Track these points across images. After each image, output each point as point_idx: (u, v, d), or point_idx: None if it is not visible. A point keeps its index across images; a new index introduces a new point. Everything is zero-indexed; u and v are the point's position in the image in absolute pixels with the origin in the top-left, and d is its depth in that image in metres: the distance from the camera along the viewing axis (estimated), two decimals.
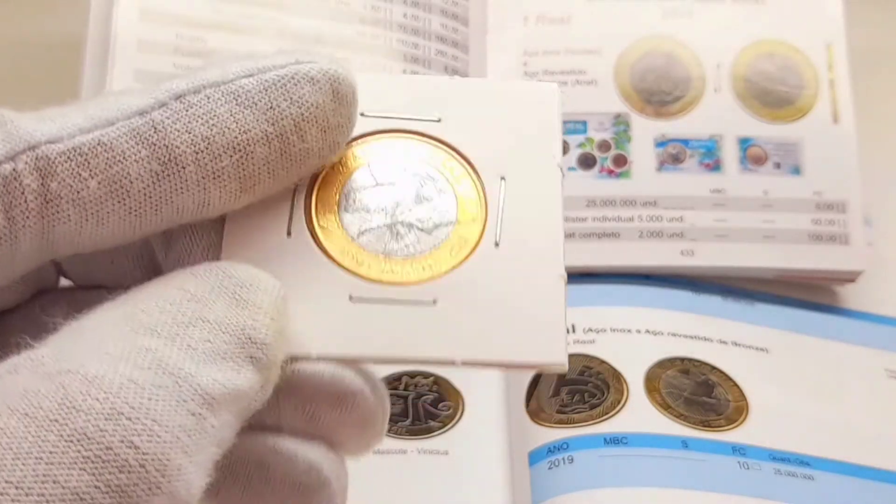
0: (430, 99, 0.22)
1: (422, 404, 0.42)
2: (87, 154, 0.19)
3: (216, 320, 0.18)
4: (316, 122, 0.20)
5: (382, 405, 0.22)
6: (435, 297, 0.21)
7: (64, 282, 0.23)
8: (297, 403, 0.21)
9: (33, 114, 0.19)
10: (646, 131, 0.50)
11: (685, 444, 0.40)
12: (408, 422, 0.42)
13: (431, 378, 0.44)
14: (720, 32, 0.51)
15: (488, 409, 0.43)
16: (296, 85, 0.20)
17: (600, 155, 0.50)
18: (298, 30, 0.47)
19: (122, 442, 0.16)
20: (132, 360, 0.17)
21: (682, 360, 0.44)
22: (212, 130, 0.19)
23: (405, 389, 0.43)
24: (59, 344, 0.17)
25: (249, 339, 0.19)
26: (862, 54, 0.51)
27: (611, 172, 0.49)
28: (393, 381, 0.43)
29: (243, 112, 0.20)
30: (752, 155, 0.50)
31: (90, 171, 0.19)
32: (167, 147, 0.19)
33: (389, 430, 0.41)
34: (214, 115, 0.19)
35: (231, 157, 0.20)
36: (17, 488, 0.15)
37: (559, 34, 0.51)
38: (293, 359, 0.20)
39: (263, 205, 0.21)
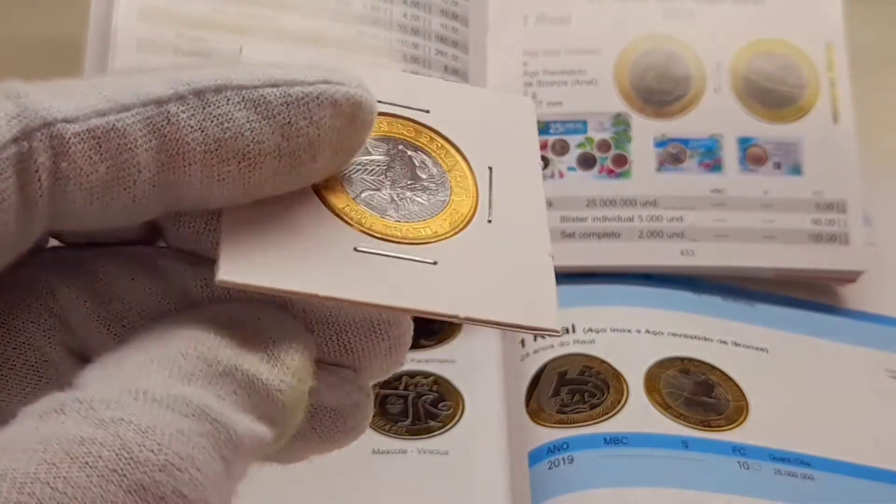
0: (421, 93, 0.23)
1: (422, 404, 0.42)
2: (100, 138, 0.18)
3: (247, 372, 0.19)
4: (330, 145, 0.20)
5: (408, 333, 0.22)
6: (436, 258, 0.22)
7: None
8: (331, 333, 0.21)
9: (46, 85, 0.19)
10: (646, 131, 0.50)
11: (685, 444, 0.40)
12: (408, 422, 0.42)
13: (431, 378, 0.44)
14: (720, 32, 0.51)
15: (488, 409, 0.42)
16: (318, 106, 0.20)
17: (600, 155, 0.50)
18: (298, 30, 0.47)
19: (174, 492, 0.17)
20: (178, 409, 0.17)
21: (682, 360, 0.44)
22: (225, 134, 0.19)
23: (405, 389, 0.43)
24: (105, 386, 0.18)
25: (273, 399, 0.19)
26: (862, 54, 0.51)
27: (611, 172, 0.49)
28: (393, 381, 0.43)
29: (260, 122, 0.19)
30: (752, 155, 0.50)
31: (101, 155, 0.18)
32: (178, 141, 0.19)
33: (389, 430, 0.41)
34: (230, 119, 0.19)
35: (239, 163, 0.19)
36: None
37: (559, 34, 0.51)
38: (297, 294, 0.21)
39: None
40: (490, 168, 0.23)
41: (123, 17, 0.45)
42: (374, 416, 0.44)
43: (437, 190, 0.23)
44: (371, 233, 0.22)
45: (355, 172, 0.22)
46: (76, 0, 0.46)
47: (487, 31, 0.52)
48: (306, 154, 0.20)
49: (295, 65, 0.20)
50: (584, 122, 0.50)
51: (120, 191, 0.19)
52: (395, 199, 0.22)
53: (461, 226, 0.22)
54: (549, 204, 0.49)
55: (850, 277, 0.49)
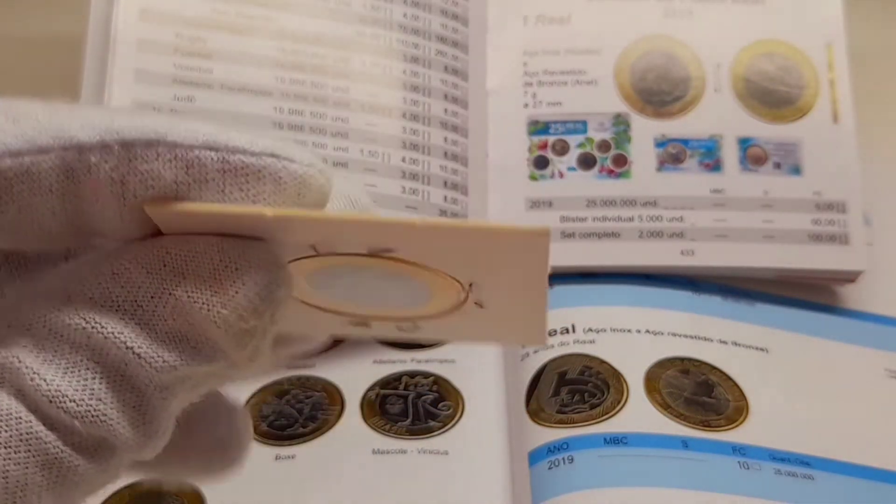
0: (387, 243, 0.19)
1: (422, 404, 0.42)
2: (11, 179, 0.18)
3: (180, 298, 0.18)
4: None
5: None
6: (417, 325, 0.21)
7: None
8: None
9: None
10: (646, 131, 0.50)
11: (685, 444, 0.40)
12: (408, 422, 0.42)
13: (431, 378, 0.44)
14: (720, 32, 0.51)
15: (488, 409, 0.42)
16: (258, 181, 0.18)
17: (600, 155, 0.50)
18: (298, 30, 0.47)
19: (67, 421, 0.17)
20: (78, 341, 0.18)
21: (682, 360, 0.44)
22: (147, 192, 0.18)
23: (405, 389, 0.43)
24: (22, 306, 0.18)
25: (209, 332, 0.18)
26: (862, 54, 0.51)
27: (611, 172, 0.49)
28: (393, 381, 0.43)
29: (189, 185, 0.18)
30: (752, 155, 0.50)
31: (11, 196, 0.18)
32: (95, 192, 0.18)
33: (389, 430, 0.41)
34: (156, 178, 0.18)
35: (149, 223, 0.18)
36: (5, 448, 0.16)
37: (559, 34, 0.51)
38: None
39: None
40: (471, 285, 0.20)
41: (123, 17, 0.45)
42: (374, 416, 0.44)
43: (414, 296, 0.20)
44: (357, 318, 0.21)
45: (322, 286, 0.20)
46: (76, 0, 0.46)
47: (487, 31, 0.52)
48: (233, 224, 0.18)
49: (246, 134, 0.18)
50: (584, 122, 0.50)
51: (33, 228, 0.18)
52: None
53: (446, 312, 0.21)
54: (550, 204, 0.49)
55: (849, 277, 0.49)
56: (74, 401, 0.17)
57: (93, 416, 0.17)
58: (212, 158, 0.18)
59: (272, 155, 0.18)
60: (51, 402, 0.17)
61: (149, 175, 0.18)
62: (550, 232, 0.18)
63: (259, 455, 0.40)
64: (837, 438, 0.42)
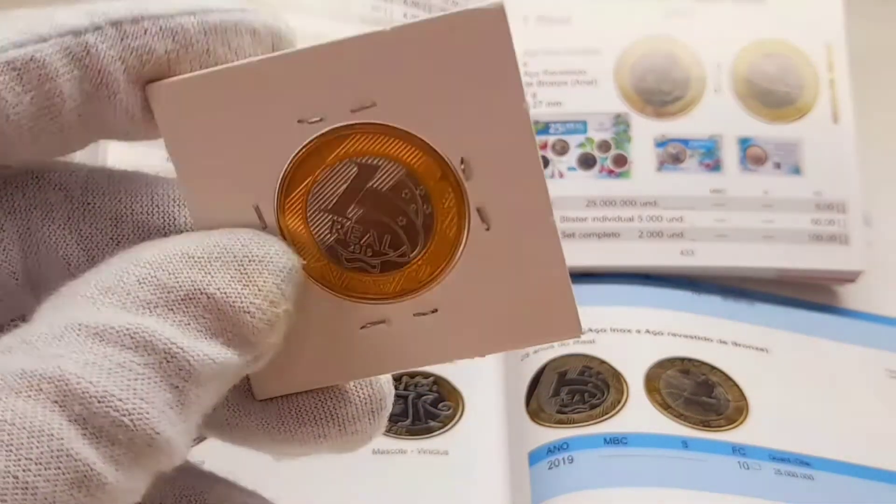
0: (363, 74, 0.20)
1: (422, 404, 0.42)
2: (20, 69, 0.18)
3: (213, 295, 0.18)
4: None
5: (388, 393, 0.22)
6: (436, 305, 0.21)
7: None
8: (313, 406, 0.21)
9: None
10: (646, 131, 0.50)
11: (685, 444, 0.40)
12: (408, 422, 0.42)
13: (431, 378, 0.44)
14: (720, 32, 0.51)
15: (488, 409, 0.42)
16: (237, 34, 0.20)
17: (600, 155, 0.50)
18: (298, 30, 0.47)
19: (114, 423, 0.17)
20: (119, 342, 0.17)
21: (682, 360, 0.44)
22: (144, 67, 0.19)
23: (405, 389, 0.43)
24: (51, 322, 0.18)
25: (241, 322, 0.19)
26: (862, 54, 0.51)
27: (611, 172, 0.49)
28: (393, 381, 0.43)
29: (179, 52, 0.19)
30: (752, 155, 0.50)
31: (24, 86, 0.18)
32: (100, 72, 0.19)
33: (389, 430, 0.41)
34: (149, 51, 0.19)
35: None
36: (36, 464, 0.16)
37: (559, 34, 0.51)
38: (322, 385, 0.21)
39: (228, 203, 0.21)
40: (463, 160, 0.20)
41: None
42: None
43: (418, 216, 0.21)
44: (367, 298, 0.21)
45: (319, 220, 0.21)
46: (76, 0, 0.46)
47: None
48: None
49: None
50: (585, 123, 0.50)
51: (47, 121, 0.19)
52: (380, 250, 0.21)
53: (454, 254, 0.21)
54: None
55: (849, 277, 0.49)
56: (121, 399, 0.17)
57: (139, 414, 0.17)
58: (192, 22, 0.19)
59: (242, 10, 0.20)
60: (100, 402, 0.17)
61: (142, 50, 0.19)
62: (504, 7, 0.19)
63: (259, 455, 0.40)
64: (837, 438, 0.42)
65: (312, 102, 0.20)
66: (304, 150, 0.21)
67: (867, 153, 0.50)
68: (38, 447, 0.16)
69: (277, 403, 0.21)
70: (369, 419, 0.22)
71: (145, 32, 0.19)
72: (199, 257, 0.19)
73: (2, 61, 0.18)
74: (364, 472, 0.40)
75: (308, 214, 0.21)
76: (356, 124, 0.20)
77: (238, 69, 0.20)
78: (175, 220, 0.21)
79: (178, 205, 0.21)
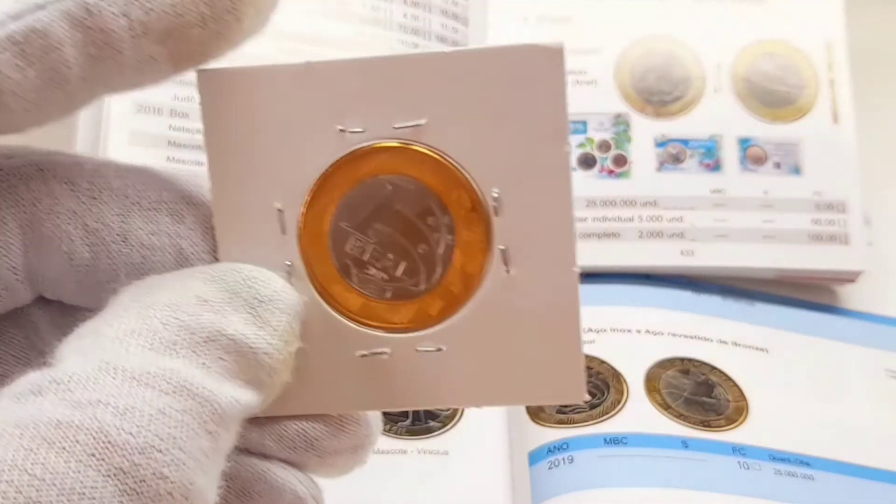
0: (412, 92, 0.20)
1: None
2: (22, 42, 0.17)
3: (232, 336, 0.18)
4: (253, 4, 0.19)
5: (375, 430, 0.22)
6: (440, 345, 0.21)
7: None
8: (294, 433, 0.21)
9: None
10: (646, 131, 0.50)
11: (685, 444, 0.40)
12: (408, 422, 0.42)
13: None
14: (720, 32, 0.51)
15: (488, 409, 0.42)
16: None
17: (600, 155, 0.50)
18: (298, 30, 0.47)
19: (154, 474, 0.16)
20: (158, 386, 0.17)
21: (682, 360, 0.44)
22: (148, 16, 0.18)
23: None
24: (82, 363, 0.17)
25: (259, 363, 0.19)
26: (862, 54, 0.51)
27: (611, 172, 0.49)
28: None
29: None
30: (752, 155, 0.50)
31: (27, 59, 0.17)
32: (103, 31, 0.18)
33: (389, 430, 0.41)
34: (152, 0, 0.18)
35: (167, 43, 0.18)
36: None
37: (559, 34, 0.51)
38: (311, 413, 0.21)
39: (252, 202, 0.21)
40: (496, 194, 0.20)
41: None
42: None
43: (440, 246, 0.21)
44: (371, 324, 0.21)
45: (343, 245, 0.21)
46: None
47: (487, 31, 0.52)
48: (230, 16, 0.19)
49: None
50: (585, 123, 0.50)
51: (53, 90, 0.18)
52: (395, 275, 0.21)
53: (469, 292, 0.20)
54: None
55: (849, 277, 0.49)
56: (161, 451, 0.16)
57: (177, 466, 0.16)
58: None
59: None
60: (141, 453, 0.16)
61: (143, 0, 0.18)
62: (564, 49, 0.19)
63: None
64: (837, 438, 0.42)
65: (357, 112, 0.20)
66: (339, 160, 0.20)
67: (867, 153, 0.50)
68: None
69: (261, 423, 0.21)
70: (350, 454, 0.22)
71: None
72: (212, 301, 0.19)
73: (2, 37, 0.17)
74: (364, 472, 0.40)
75: (331, 228, 0.21)
76: (397, 141, 0.20)
77: (290, 68, 0.20)
78: (183, 217, 0.21)
79: (187, 203, 0.21)
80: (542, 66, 0.20)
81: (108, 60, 0.18)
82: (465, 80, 0.20)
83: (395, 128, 0.20)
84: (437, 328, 0.21)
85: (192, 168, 0.22)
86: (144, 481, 0.16)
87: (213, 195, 0.21)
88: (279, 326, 0.19)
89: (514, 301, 0.20)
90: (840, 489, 0.40)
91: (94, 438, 0.16)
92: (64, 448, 0.16)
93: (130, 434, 0.16)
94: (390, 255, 0.21)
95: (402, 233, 0.21)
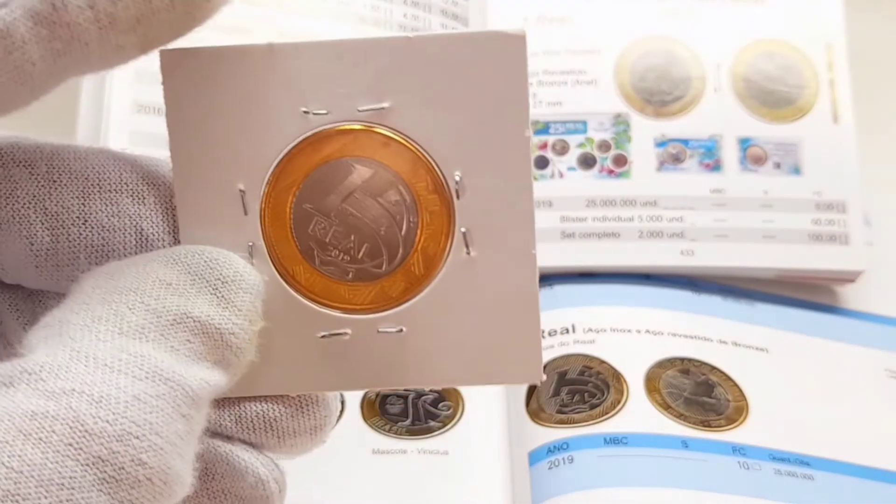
0: (377, 75, 0.20)
1: (422, 404, 0.42)
2: None
3: (198, 318, 0.18)
4: None
5: (333, 411, 0.22)
6: (401, 326, 0.21)
7: None
8: (253, 414, 0.21)
9: None
10: (646, 131, 0.50)
11: (685, 444, 0.40)
12: (408, 422, 0.42)
13: None
14: (720, 32, 0.51)
15: (488, 409, 0.42)
16: None
17: (600, 155, 0.50)
18: (298, 30, 0.47)
19: (133, 461, 0.16)
20: (131, 372, 0.17)
21: (682, 360, 0.44)
22: (116, 7, 0.18)
23: (405, 389, 0.43)
24: (53, 352, 0.17)
25: (226, 343, 0.19)
26: (862, 54, 0.51)
27: (611, 172, 0.49)
28: None
29: None
30: (752, 155, 0.50)
31: None
32: (69, 26, 0.17)
33: (389, 430, 0.41)
34: None
35: (136, 29, 0.18)
36: None
37: (559, 34, 0.51)
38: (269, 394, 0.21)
39: (214, 182, 0.21)
40: (458, 177, 0.20)
41: None
42: (374, 416, 0.44)
43: (403, 228, 0.21)
44: (334, 306, 0.21)
45: (307, 227, 0.21)
46: None
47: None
48: None
49: None
50: (584, 122, 0.50)
51: (16, 87, 0.18)
52: (357, 257, 0.21)
53: (431, 273, 0.21)
54: (549, 204, 0.49)
55: (849, 277, 0.49)
56: (139, 437, 0.16)
57: (155, 452, 0.16)
58: None
59: None
60: (118, 441, 0.16)
61: None
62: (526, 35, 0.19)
63: None
64: (837, 438, 0.42)
65: (321, 94, 0.20)
66: (302, 141, 0.20)
67: (867, 153, 0.50)
68: (47, 498, 0.15)
69: (220, 404, 0.21)
70: (310, 434, 0.22)
71: None
72: (175, 283, 0.19)
73: None
74: (364, 472, 0.40)
75: (293, 209, 0.21)
76: (361, 124, 0.20)
77: (253, 48, 0.20)
78: (144, 198, 0.21)
79: (147, 184, 0.21)
80: (505, 52, 0.20)
81: (74, 53, 0.18)
82: (429, 65, 0.20)
83: (359, 110, 0.20)
84: (397, 309, 0.21)
85: (152, 153, 0.22)
86: (123, 468, 0.16)
87: (174, 176, 0.21)
88: (243, 306, 0.19)
89: (474, 283, 0.21)
90: (840, 489, 0.40)
91: (71, 428, 0.16)
92: (40, 439, 0.16)
93: (107, 422, 0.16)
94: (352, 237, 0.21)
95: (364, 215, 0.21)
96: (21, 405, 0.16)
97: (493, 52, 0.20)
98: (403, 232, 0.21)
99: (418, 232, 0.21)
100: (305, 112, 0.20)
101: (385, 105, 0.20)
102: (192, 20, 0.19)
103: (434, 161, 0.21)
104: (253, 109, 0.20)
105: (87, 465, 0.16)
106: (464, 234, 0.21)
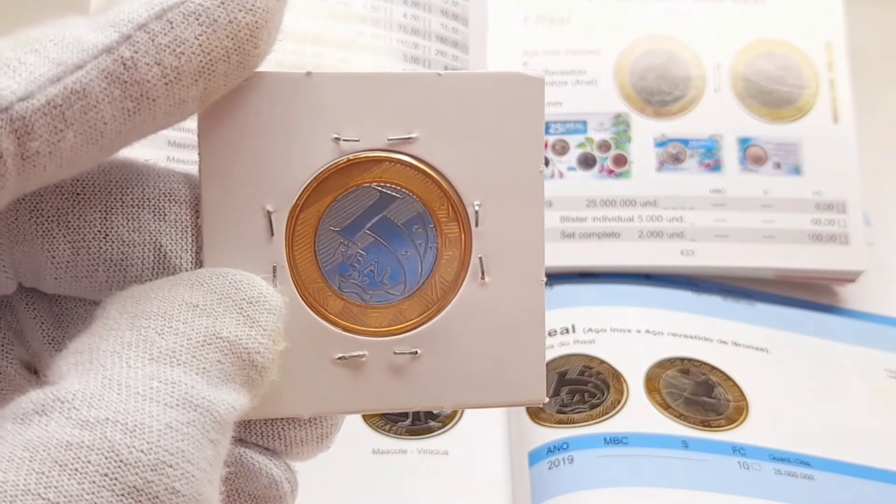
0: (406, 108, 0.21)
1: None
2: (61, 106, 0.17)
3: (227, 338, 0.19)
4: (266, 26, 0.19)
5: (340, 421, 0.22)
6: (417, 347, 0.22)
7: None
8: (263, 424, 0.21)
9: None
10: (646, 131, 0.50)
11: (685, 444, 0.40)
12: (408, 422, 0.42)
13: None
14: (720, 32, 0.51)
15: (488, 410, 0.43)
16: None
17: (600, 155, 0.50)
18: (298, 30, 0.47)
19: (167, 490, 0.16)
20: (162, 400, 0.17)
21: (682, 360, 0.44)
22: (180, 60, 0.18)
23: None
24: (84, 380, 0.17)
25: (252, 363, 0.19)
26: (862, 54, 0.51)
27: (611, 172, 0.49)
28: None
29: (206, 33, 0.19)
30: (752, 155, 0.50)
31: (66, 122, 0.17)
32: (139, 84, 0.18)
33: (389, 430, 0.41)
34: (182, 43, 0.18)
35: (198, 83, 0.19)
36: None
37: (559, 34, 0.51)
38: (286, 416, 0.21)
39: (242, 202, 0.21)
40: (477, 207, 0.22)
41: None
42: (374, 416, 0.44)
43: (424, 254, 0.22)
44: (352, 328, 0.22)
45: (329, 247, 0.22)
46: (76, 1, 0.46)
47: (487, 31, 0.52)
48: (249, 44, 0.19)
49: None
50: (585, 122, 0.50)
51: (90, 147, 0.18)
52: (378, 280, 0.22)
53: (447, 298, 0.22)
54: (549, 204, 0.49)
55: (849, 277, 0.49)
56: (172, 466, 0.16)
57: (187, 480, 0.17)
58: (211, 5, 0.19)
59: None
60: (153, 471, 0.16)
61: (176, 44, 0.18)
62: (544, 80, 0.21)
63: None
64: (837, 438, 0.42)
65: (353, 122, 0.21)
66: (332, 166, 0.21)
67: (867, 153, 0.50)
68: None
69: None
70: (317, 443, 0.22)
71: (171, 25, 0.18)
72: (201, 305, 0.19)
73: (42, 103, 0.17)
74: (364, 472, 0.40)
75: (319, 232, 0.21)
76: (390, 152, 0.21)
77: (291, 75, 0.21)
78: (165, 215, 0.21)
79: (170, 200, 0.21)
80: (525, 93, 0.22)
81: (143, 111, 0.18)
82: (455, 101, 0.21)
83: (388, 139, 0.21)
84: (413, 332, 0.22)
85: (172, 165, 0.22)
86: (158, 497, 0.16)
87: (203, 194, 0.21)
88: (268, 326, 0.19)
89: (486, 308, 0.22)
90: (840, 489, 0.40)
91: (106, 458, 0.16)
92: (76, 470, 0.16)
93: (142, 451, 0.16)
94: (376, 262, 0.22)
95: (388, 239, 0.22)
96: (56, 435, 0.16)
97: (514, 92, 0.22)
98: (424, 257, 0.22)
99: (437, 258, 0.22)
100: (336, 139, 0.21)
101: (413, 135, 0.21)
102: (243, 69, 0.19)
103: (455, 190, 0.22)
104: (285, 133, 0.21)
105: (123, 495, 0.16)
106: (480, 260, 0.22)
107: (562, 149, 0.50)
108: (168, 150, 0.44)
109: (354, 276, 0.22)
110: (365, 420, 0.42)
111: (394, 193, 0.22)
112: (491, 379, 0.22)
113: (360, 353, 0.22)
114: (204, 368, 0.18)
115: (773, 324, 0.47)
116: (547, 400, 0.22)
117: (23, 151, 0.17)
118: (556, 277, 0.48)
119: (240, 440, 0.21)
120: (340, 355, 0.21)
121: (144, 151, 0.21)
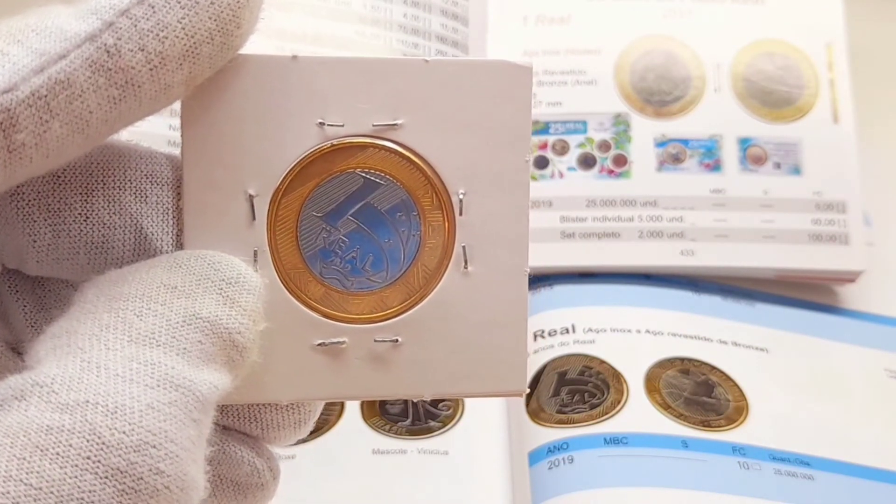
0: (393, 94, 0.21)
1: (422, 404, 0.42)
2: (46, 97, 0.17)
3: (207, 318, 0.18)
4: (248, 5, 0.19)
5: (318, 407, 0.22)
6: (398, 335, 0.22)
7: None
8: (245, 406, 0.21)
9: None
10: (646, 131, 0.50)
11: (685, 444, 0.40)
12: (408, 422, 0.42)
13: None
14: (720, 32, 0.51)
15: (488, 409, 0.42)
16: None
17: (600, 155, 0.50)
18: (298, 30, 0.47)
19: (151, 470, 0.16)
20: (143, 381, 0.17)
21: (682, 360, 0.44)
22: (164, 44, 0.18)
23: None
24: (63, 363, 0.17)
25: (233, 343, 0.19)
26: (862, 54, 0.51)
27: (611, 172, 0.49)
28: None
29: (189, 15, 0.18)
30: (752, 155, 0.50)
31: (51, 113, 0.17)
32: (123, 70, 0.18)
33: (389, 430, 0.41)
34: (165, 27, 0.18)
35: (182, 66, 0.19)
36: None
37: (559, 34, 0.51)
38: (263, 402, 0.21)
39: (224, 186, 0.21)
40: (462, 196, 0.21)
41: None
42: (374, 416, 0.44)
43: (407, 242, 0.22)
44: (332, 315, 0.21)
45: (311, 233, 0.21)
46: (76, 1, 0.46)
47: (487, 31, 0.52)
48: (232, 24, 0.19)
49: None
50: (585, 122, 0.50)
51: (76, 137, 0.18)
52: (360, 267, 0.22)
53: (429, 286, 0.22)
54: (549, 204, 0.49)
55: (849, 277, 0.49)
56: (155, 446, 0.16)
57: (171, 460, 0.16)
58: None
59: None
60: (136, 452, 0.16)
61: (157, 28, 0.18)
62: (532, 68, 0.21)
63: None
64: (837, 438, 0.42)
65: (339, 107, 0.21)
66: (316, 151, 0.21)
67: (867, 153, 0.50)
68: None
69: None
70: (294, 428, 0.22)
71: (153, 10, 0.18)
72: (180, 287, 0.19)
73: (27, 94, 0.17)
74: (364, 472, 0.40)
75: (301, 217, 0.21)
76: (374, 138, 0.21)
77: (276, 58, 0.20)
78: (146, 196, 0.21)
79: (152, 182, 0.21)
80: (513, 81, 0.22)
81: (128, 98, 0.18)
82: (443, 88, 0.21)
83: (373, 125, 0.21)
84: (395, 320, 0.22)
85: (154, 146, 0.22)
86: (142, 479, 0.16)
87: (184, 177, 0.21)
88: (247, 306, 0.19)
89: (468, 297, 0.22)
90: (840, 489, 0.40)
91: (88, 441, 0.16)
92: (58, 454, 0.16)
93: (123, 433, 0.16)
94: (357, 248, 0.21)
95: (371, 226, 0.21)
96: (35, 419, 0.16)
97: (502, 80, 0.22)
98: (407, 245, 0.21)
99: (420, 246, 0.22)
100: (321, 123, 0.21)
101: (399, 122, 0.21)
102: (227, 50, 0.19)
103: (440, 178, 0.21)
104: (270, 117, 0.21)
105: (106, 477, 0.16)
106: (463, 249, 0.21)
107: (562, 149, 0.50)
108: (168, 150, 0.44)
109: (336, 263, 0.21)
110: (365, 420, 0.42)
111: (378, 180, 0.21)
112: (471, 369, 0.22)
113: (341, 339, 0.21)
114: (184, 349, 0.18)
115: (773, 324, 0.47)
116: (528, 391, 0.22)
117: (8, 144, 0.17)
118: (556, 277, 0.48)
119: (220, 426, 0.21)
120: (320, 342, 0.21)
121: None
